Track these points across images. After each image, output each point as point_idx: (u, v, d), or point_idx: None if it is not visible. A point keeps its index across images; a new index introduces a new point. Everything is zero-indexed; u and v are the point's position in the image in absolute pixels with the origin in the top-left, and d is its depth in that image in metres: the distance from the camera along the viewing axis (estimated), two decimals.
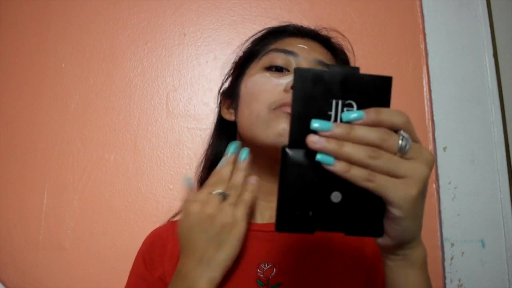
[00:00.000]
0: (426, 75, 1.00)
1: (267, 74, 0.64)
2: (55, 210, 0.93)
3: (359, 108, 0.37)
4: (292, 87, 0.38)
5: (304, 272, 0.61)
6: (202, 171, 0.76)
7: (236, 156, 0.59)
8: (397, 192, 0.37)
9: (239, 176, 0.57)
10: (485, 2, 1.01)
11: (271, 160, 0.61)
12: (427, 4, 1.01)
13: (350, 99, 0.38)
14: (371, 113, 0.37)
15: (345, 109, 0.37)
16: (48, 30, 1.02)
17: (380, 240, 0.42)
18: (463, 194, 0.93)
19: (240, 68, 0.72)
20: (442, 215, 0.92)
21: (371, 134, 0.36)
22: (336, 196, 0.38)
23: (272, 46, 0.67)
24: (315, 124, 0.36)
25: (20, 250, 0.91)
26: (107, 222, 0.93)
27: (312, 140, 0.36)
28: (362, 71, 0.39)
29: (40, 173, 0.95)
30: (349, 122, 0.37)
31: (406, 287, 0.44)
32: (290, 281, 0.59)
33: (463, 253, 0.90)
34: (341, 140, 0.36)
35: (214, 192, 0.54)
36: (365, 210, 0.39)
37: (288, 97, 0.59)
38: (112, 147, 0.96)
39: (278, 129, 0.58)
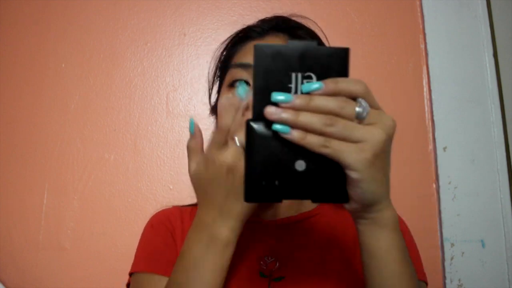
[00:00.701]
0: (426, 75, 1.00)
1: (229, 93, 0.63)
2: (55, 210, 0.93)
3: (318, 79, 0.39)
4: (253, 63, 0.39)
5: (305, 266, 0.61)
6: None
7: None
8: (352, 155, 0.38)
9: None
10: (485, 2, 1.01)
11: None
12: (427, 4, 1.02)
13: (310, 72, 0.39)
14: (329, 83, 0.38)
15: (304, 81, 0.39)
16: (48, 30, 1.02)
17: (347, 206, 0.43)
18: (463, 194, 0.93)
19: (216, 85, 0.73)
20: (442, 215, 0.92)
21: (329, 103, 0.38)
22: (300, 165, 0.39)
23: (234, 60, 0.67)
24: (276, 96, 0.38)
25: (20, 250, 0.91)
26: (107, 222, 0.93)
27: (269, 112, 0.38)
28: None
29: (40, 173, 0.95)
30: (309, 93, 0.38)
31: (379, 249, 0.45)
32: (293, 275, 0.60)
33: (463, 253, 0.90)
34: (302, 110, 0.38)
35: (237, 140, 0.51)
36: (329, 177, 0.40)
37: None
38: (112, 147, 0.96)
39: None
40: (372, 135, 0.39)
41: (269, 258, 0.62)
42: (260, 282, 0.60)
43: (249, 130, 0.40)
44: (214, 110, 0.75)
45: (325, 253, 0.63)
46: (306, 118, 0.37)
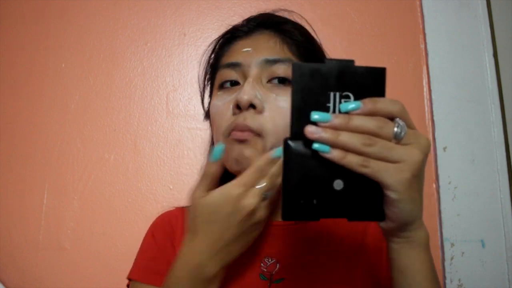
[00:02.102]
0: (426, 75, 1.00)
1: (221, 94, 0.63)
2: (55, 210, 0.93)
3: (356, 99, 0.39)
4: (291, 81, 0.39)
5: (307, 268, 0.61)
6: None
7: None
8: (391, 175, 0.39)
9: (278, 178, 0.51)
10: (485, 2, 1.01)
11: None
12: (427, 4, 1.01)
13: (347, 91, 0.40)
14: (368, 103, 0.39)
15: (342, 100, 0.39)
16: (48, 30, 1.02)
17: (383, 224, 0.44)
18: (463, 194, 0.93)
19: (206, 88, 0.73)
20: (442, 215, 0.92)
21: (368, 123, 0.38)
22: (338, 184, 0.40)
23: (221, 61, 0.66)
24: (315, 115, 0.38)
25: (20, 250, 0.91)
26: (107, 222, 0.93)
27: (310, 131, 0.38)
28: None
29: (40, 173, 0.95)
30: (347, 113, 0.39)
31: (411, 268, 0.45)
32: (293, 276, 0.60)
33: (463, 253, 0.90)
34: (341, 129, 0.38)
35: (259, 187, 0.50)
36: (366, 196, 0.40)
37: (236, 119, 0.58)
38: (112, 147, 0.96)
39: (234, 156, 0.58)
40: (411, 155, 0.39)
41: (270, 260, 0.61)
42: (261, 284, 0.59)
43: (287, 149, 0.40)
44: (208, 115, 0.73)
45: (326, 255, 0.63)
46: (346, 138, 0.38)
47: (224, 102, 0.61)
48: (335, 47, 1.00)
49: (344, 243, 0.65)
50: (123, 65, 1.00)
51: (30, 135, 0.97)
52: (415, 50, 1.01)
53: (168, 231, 0.67)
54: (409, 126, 0.41)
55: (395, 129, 0.39)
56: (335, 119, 0.38)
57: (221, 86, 0.63)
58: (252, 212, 0.49)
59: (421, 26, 1.02)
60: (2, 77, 1.01)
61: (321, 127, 0.38)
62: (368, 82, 0.40)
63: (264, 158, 0.50)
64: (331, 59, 0.40)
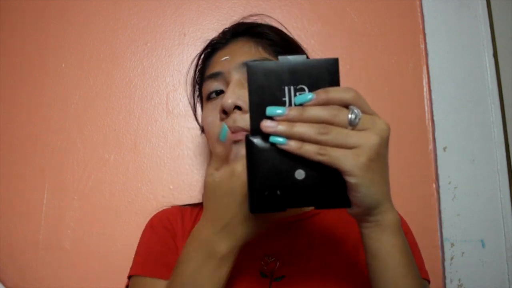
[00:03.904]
0: (426, 75, 1.00)
1: (209, 105, 0.66)
2: (55, 210, 0.93)
3: (310, 91, 0.41)
4: (247, 82, 0.41)
5: (307, 266, 0.62)
6: None
7: None
8: (348, 161, 0.40)
9: None
10: (485, 2, 1.01)
11: None
12: (427, 4, 1.01)
13: (301, 84, 0.41)
14: (321, 93, 0.40)
15: (297, 93, 0.41)
16: (48, 30, 1.02)
17: (350, 211, 0.45)
18: (463, 194, 0.93)
19: (196, 102, 0.78)
20: (442, 215, 0.92)
21: (322, 112, 0.40)
22: (299, 174, 0.41)
23: (205, 74, 0.70)
24: (270, 110, 0.40)
25: (20, 250, 0.91)
26: (107, 222, 0.93)
27: (265, 125, 0.40)
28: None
29: (40, 173, 0.95)
30: (302, 105, 0.40)
31: (383, 251, 0.46)
32: (293, 274, 0.61)
33: (463, 253, 0.90)
34: (296, 121, 0.40)
35: None
36: (329, 184, 0.41)
37: (227, 122, 0.60)
38: (112, 147, 0.96)
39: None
40: (366, 139, 0.40)
41: (270, 258, 0.62)
42: (261, 282, 0.60)
43: (249, 144, 0.41)
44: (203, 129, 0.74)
45: (326, 252, 0.63)
46: (300, 129, 0.39)
47: (212, 111, 0.64)
48: (335, 47, 1.00)
49: (342, 239, 0.65)
50: (123, 65, 1.00)
51: (30, 135, 0.97)
52: (415, 50, 1.01)
53: (167, 227, 0.68)
54: (366, 111, 0.42)
55: (349, 115, 0.40)
56: (290, 112, 0.40)
57: (208, 98, 0.66)
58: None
59: (421, 26, 1.02)
60: (2, 77, 1.01)
61: (277, 121, 0.40)
62: (322, 73, 0.41)
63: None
64: (284, 56, 0.42)
